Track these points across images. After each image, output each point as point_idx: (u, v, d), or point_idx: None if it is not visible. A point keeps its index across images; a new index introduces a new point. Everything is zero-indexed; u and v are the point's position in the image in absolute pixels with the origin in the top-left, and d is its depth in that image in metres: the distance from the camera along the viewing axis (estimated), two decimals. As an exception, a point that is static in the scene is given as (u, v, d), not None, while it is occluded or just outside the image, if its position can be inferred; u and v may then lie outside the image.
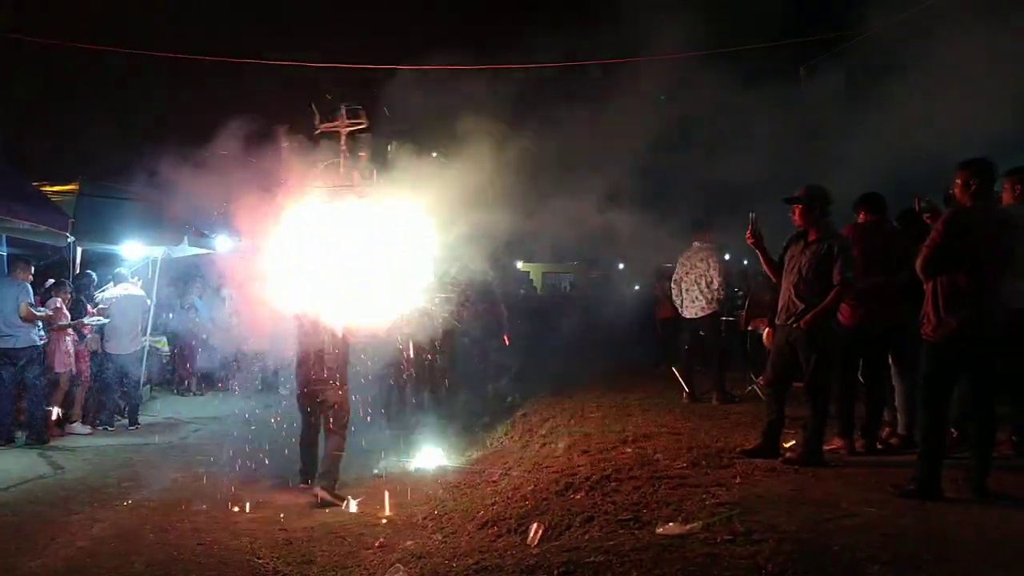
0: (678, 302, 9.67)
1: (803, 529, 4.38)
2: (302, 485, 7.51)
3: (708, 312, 9.42)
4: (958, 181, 5.07)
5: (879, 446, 6.45)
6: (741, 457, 6.24)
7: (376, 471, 8.19)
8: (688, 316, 9.57)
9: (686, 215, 9.84)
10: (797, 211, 6.17)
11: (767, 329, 6.64)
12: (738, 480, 5.61)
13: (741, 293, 11.21)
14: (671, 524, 4.69)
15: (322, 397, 7.38)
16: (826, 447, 6.15)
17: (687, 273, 9.52)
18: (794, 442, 6.42)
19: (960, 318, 4.90)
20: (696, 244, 9.55)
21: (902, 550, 3.98)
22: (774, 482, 5.54)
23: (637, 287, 16.97)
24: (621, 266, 17.04)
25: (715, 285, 9.33)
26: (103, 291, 10.72)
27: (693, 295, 9.45)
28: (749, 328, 9.72)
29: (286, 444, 9.37)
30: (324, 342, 7.32)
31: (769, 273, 6.53)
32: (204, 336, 13.81)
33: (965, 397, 5.20)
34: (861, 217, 6.63)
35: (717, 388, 9.34)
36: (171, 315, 13.81)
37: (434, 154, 8.32)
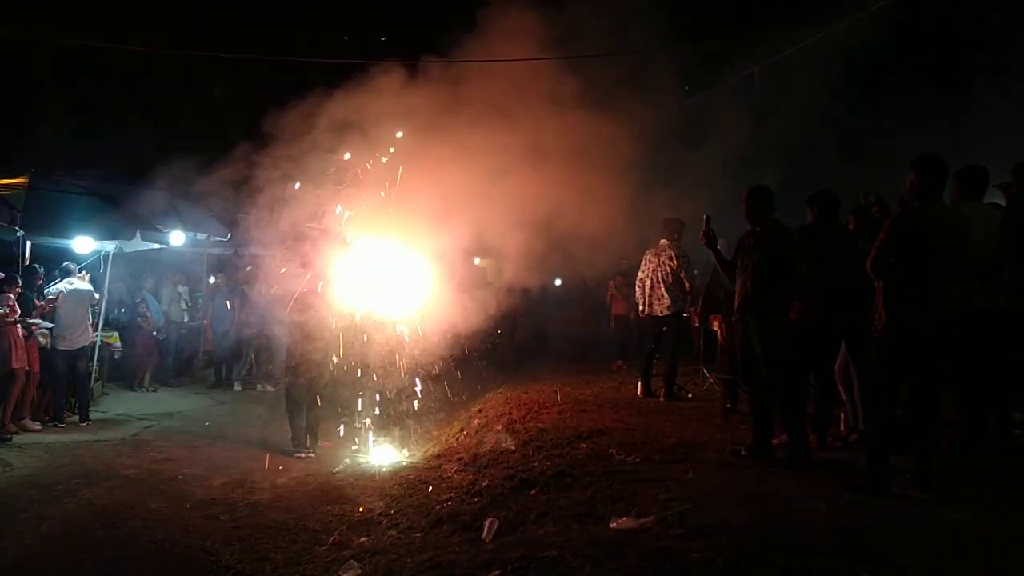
0: (641, 301, 9.72)
1: (754, 523, 4.44)
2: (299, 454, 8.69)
3: (675, 310, 9.48)
4: (909, 179, 5.18)
5: (837, 442, 6.57)
6: (743, 458, 6.17)
7: (333, 468, 8.16)
8: (657, 314, 9.59)
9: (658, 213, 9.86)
10: (745, 212, 6.28)
11: (720, 325, 6.71)
12: (691, 475, 5.67)
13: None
14: (625, 519, 4.73)
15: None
16: (775, 442, 6.25)
17: (653, 271, 9.55)
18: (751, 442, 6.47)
19: (908, 316, 5.00)
20: (663, 242, 9.59)
21: (850, 545, 4.06)
22: (726, 477, 5.62)
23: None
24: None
25: (684, 283, 9.41)
26: (50, 286, 10.51)
27: (659, 293, 9.49)
28: (699, 324, 9.83)
29: (239, 440, 9.32)
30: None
31: (722, 272, 6.62)
32: (155, 332, 13.66)
33: (912, 394, 5.31)
34: (811, 217, 6.73)
35: (667, 385, 9.42)
36: (122, 310, 13.60)
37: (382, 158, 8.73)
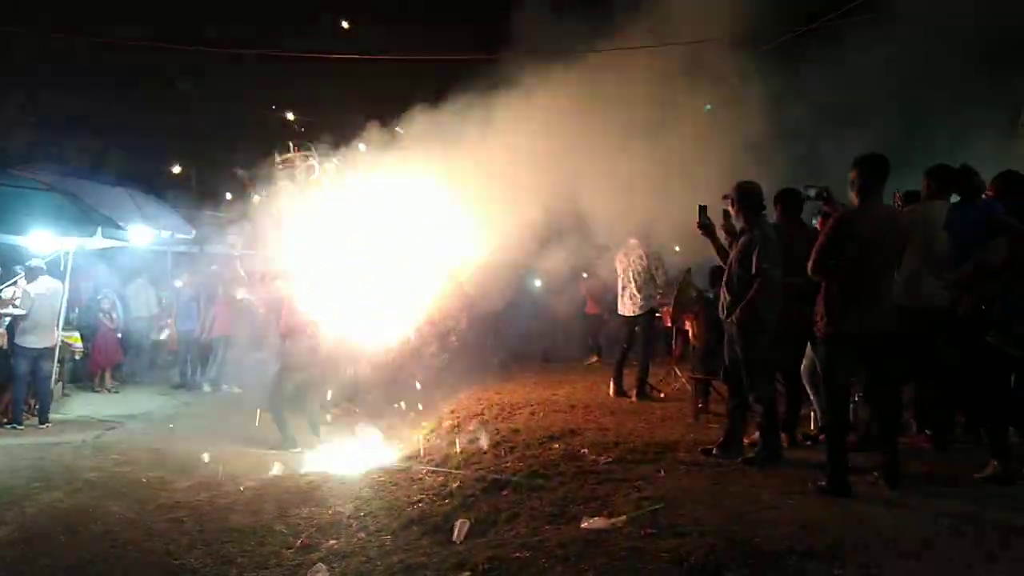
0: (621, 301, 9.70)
1: (725, 522, 4.47)
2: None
3: (646, 310, 9.50)
4: (850, 178, 5.22)
5: (807, 441, 6.60)
6: (714, 456, 6.17)
7: (301, 470, 8.06)
8: (629, 314, 9.59)
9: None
10: (730, 208, 6.28)
11: (692, 324, 6.70)
12: (662, 474, 5.68)
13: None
14: (596, 519, 4.74)
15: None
16: (746, 440, 6.26)
17: (624, 271, 9.55)
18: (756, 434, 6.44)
19: (848, 317, 5.06)
20: (632, 242, 9.60)
21: (820, 541, 4.09)
22: (697, 476, 5.64)
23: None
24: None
25: (656, 279, 9.42)
26: (11, 284, 10.29)
27: (630, 292, 9.49)
28: (671, 324, 9.84)
29: (205, 442, 9.17)
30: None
31: (723, 263, 6.58)
32: (120, 333, 13.48)
33: (868, 394, 5.37)
34: (777, 215, 6.74)
35: (639, 384, 9.42)
36: (75, 310, 13.35)
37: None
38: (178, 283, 15.31)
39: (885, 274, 5.12)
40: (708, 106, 9.74)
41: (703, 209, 6.44)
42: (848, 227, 5.10)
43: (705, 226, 6.45)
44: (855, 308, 5.05)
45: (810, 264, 5.21)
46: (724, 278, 6.26)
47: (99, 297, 13.50)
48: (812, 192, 6.00)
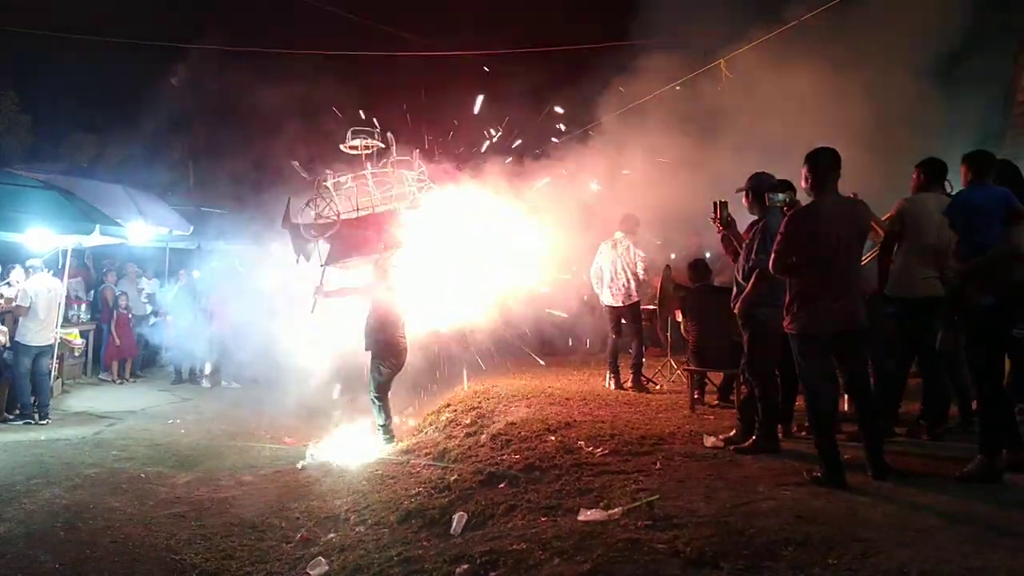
0: (600, 291, 9.74)
1: (721, 513, 4.47)
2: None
3: (634, 300, 9.54)
4: (802, 174, 5.22)
5: (802, 432, 6.62)
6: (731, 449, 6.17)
7: (299, 463, 8.09)
8: (615, 304, 9.63)
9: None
10: (744, 199, 6.31)
11: (683, 318, 6.71)
12: (658, 466, 5.69)
13: None
14: (593, 511, 4.74)
15: None
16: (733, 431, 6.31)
17: (612, 262, 9.59)
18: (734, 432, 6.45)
19: (812, 315, 5.07)
20: (619, 234, 9.64)
21: (815, 532, 4.08)
22: (693, 467, 5.64)
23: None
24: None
25: (642, 274, 9.47)
26: (6, 282, 10.33)
27: (620, 283, 9.52)
28: (664, 316, 9.87)
29: (204, 437, 9.21)
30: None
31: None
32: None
33: (847, 386, 5.38)
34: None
35: (634, 375, 9.46)
36: (81, 307, 13.45)
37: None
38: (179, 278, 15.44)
39: (848, 268, 5.10)
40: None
41: (723, 205, 6.42)
42: (803, 224, 5.11)
43: (726, 223, 6.44)
44: (818, 305, 5.05)
45: (771, 264, 5.24)
46: (735, 269, 6.31)
47: (119, 293, 13.74)
48: (779, 198, 5.99)
